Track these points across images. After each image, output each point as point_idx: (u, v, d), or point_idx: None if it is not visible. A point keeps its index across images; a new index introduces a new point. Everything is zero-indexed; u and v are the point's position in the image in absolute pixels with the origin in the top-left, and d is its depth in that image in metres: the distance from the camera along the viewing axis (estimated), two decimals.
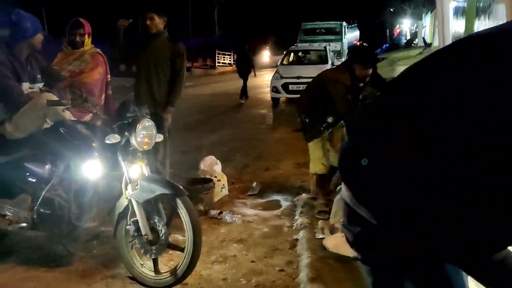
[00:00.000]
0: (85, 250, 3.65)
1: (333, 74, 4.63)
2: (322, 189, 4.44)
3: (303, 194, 4.86)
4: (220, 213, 4.40)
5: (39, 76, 3.61)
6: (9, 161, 3.38)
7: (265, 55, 34.69)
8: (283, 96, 13.45)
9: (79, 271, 3.35)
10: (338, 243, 3.47)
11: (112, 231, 3.26)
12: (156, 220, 3.09)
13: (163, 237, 3.06)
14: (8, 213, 3.34)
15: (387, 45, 35.46)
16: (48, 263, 3.43)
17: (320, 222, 3.93)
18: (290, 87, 13.32)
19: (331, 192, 4.58)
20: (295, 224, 4.12)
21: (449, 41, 12.13)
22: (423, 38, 27.82)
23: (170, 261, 3.45)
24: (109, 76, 4.56)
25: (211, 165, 5.05)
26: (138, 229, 3.09)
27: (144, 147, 3.16)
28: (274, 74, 13.97)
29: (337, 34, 22.81)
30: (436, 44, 19.88)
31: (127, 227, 3.14)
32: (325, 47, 15.54)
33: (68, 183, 3.29)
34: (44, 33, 3.85)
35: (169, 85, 4.52)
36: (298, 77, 13.31)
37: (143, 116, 3.21)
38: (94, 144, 3.23)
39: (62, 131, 3.29)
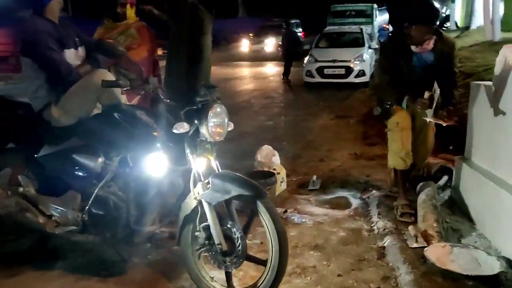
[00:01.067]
0: (139, 255, 3.17)
1: (387, 38, 4.06)
2: (402, 186, 3.86)
3: (373, 191, 4.29)
4: (285, 211, 3.87)
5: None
6: (55, 152, 2.89)
7: None
8: (318, 80, 12.79)
9: (136, 282, 2.87)
10: (440, 255, 2.92)
11: (176, 236, 2.75)
12: (230, 226, 2.56)
13: (239, 247, 2.53)
14: (55, 214, 2.86)
15: None
16: (100, 271, 2.96)
17: (410, 228, 3.35)
18: (325, 71, 12.70)
19: (409, 191, 4.02)
20: (375, 227, 3.56)
21: (498, 23, 11.22)
22: (455, 22, 26.74)
23: (239, 271, 2.94)
24: (157, 54, 4.02)
25: (269, 156, 4.51)
26: (209, 237, 2.58)
27: (216, 138, 2.64)
28: (308, 57, 13.29)
29: (368, 16, 21.87)
30: (474, 27, 18.91)
31: (196, 233, 2.63)
32: (361, 29, 14.78)
33: (125, 179, 2.79)
34: (68, 15, 3.32)
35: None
36: (333, 61, 12.70)
37: (214, 101, 2.68)
38: (155, 134, 2.71)
39: (117, 118, 2.78)
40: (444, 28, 29.84)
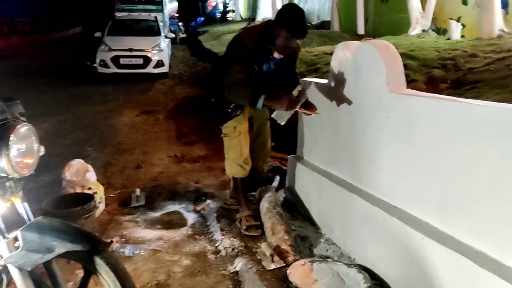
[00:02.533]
0: None
1: (244, 32, 3.48)
2: (243, 195, 3.51)
3: (208, 201, 3.85)
4: (110, 242, 3.14)
5: None
6: None
7: None
8: (113, 71, 11.73)
9: None
10: (303, 276, 2.64)
11: None
12: None
13: None
14: None
15: (202, 18, 35.03)
16: None
17: (263, 246, 2.99)
18: (122, 60, 11.74)
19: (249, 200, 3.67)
20: (221, 247, 3.12)
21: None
22: (240, 14, 28.85)
23: None
24: None
25: (80, 172, 3.64)
26: None
27: (24, 171, 1.83)
28: (101, 45, 12.08)
29: (158, 4, 21.16)
30: (259, 18, 20.17)
31: None
32: (155, 17, 14.15)
33: None
34: None
35: None
36: (130, 50, 11.83)
37: (16, 119, 1.85)
38: None
39: None
40: (229, 19, 31.43)
